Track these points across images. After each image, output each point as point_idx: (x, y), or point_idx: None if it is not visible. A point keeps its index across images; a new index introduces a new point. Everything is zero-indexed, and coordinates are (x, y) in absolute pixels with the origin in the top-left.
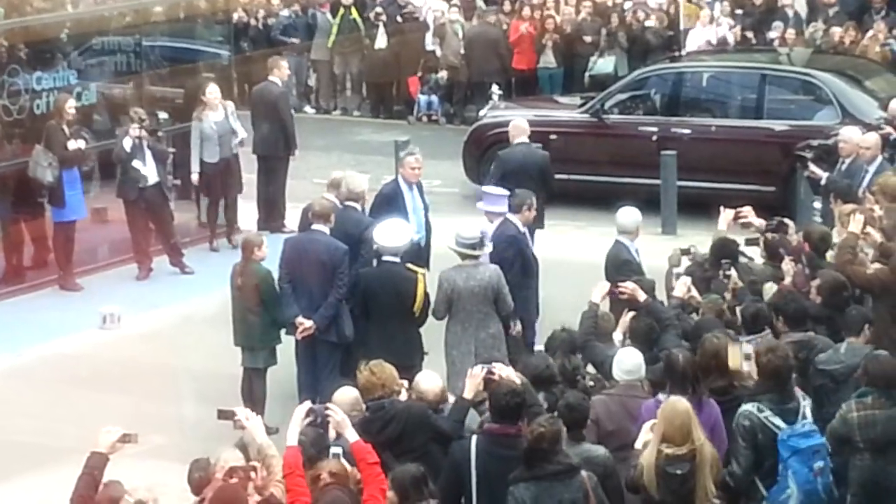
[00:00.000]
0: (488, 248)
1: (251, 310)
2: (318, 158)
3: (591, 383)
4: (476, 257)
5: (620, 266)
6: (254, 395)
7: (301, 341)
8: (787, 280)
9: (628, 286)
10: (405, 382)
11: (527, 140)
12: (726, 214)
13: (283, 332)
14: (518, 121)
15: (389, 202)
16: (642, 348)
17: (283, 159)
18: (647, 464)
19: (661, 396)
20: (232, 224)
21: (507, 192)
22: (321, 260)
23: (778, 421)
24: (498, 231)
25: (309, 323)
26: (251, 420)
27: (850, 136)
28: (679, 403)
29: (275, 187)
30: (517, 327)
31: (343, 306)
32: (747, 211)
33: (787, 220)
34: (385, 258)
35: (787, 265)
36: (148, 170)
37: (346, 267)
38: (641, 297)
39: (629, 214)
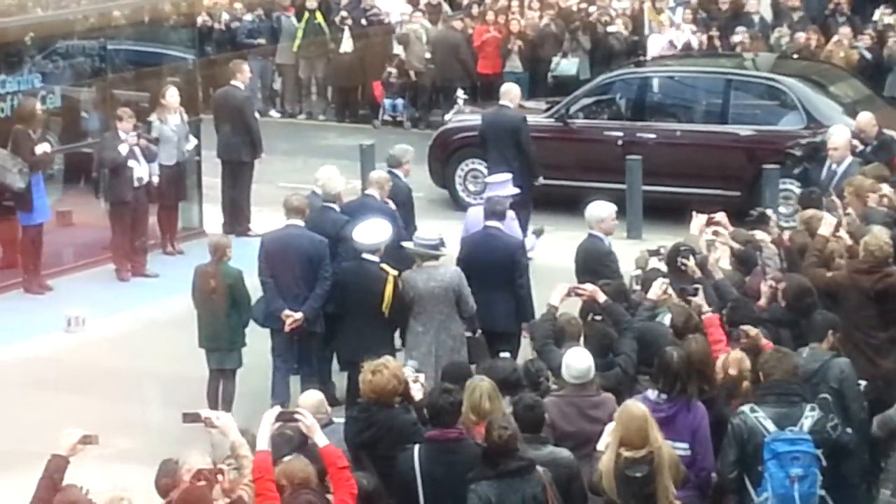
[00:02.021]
0: (447, 249)
1: (224, 311)
2: (283, 162)
3: (555, 386)
4: (436, 258)
5: (602, 258)
6: (225, 396)
7: (278, 336)
8: (763, 301)
9: (587, 287)
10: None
11: (508, 103)
12: (699, 219)
13: (255, 327)
14: (508, 85)
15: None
16: (597, 353)
17: (248, 164)
18: (605, 469)
19: (649, 393)
20: (175, 229)
21: (509, 177)
22: (307, 253)
23: (769, 424)
24: None
25: (298, 315)
26: (222, 419)
27: (838, 134)
28: (635, 407)
29: (240, 191)
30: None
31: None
32: (720, 217)
33: (768, 212)
34: (364, 256)
35: (765, 287)
36: (142, 170)
37: (329, 259)
38: (601, 298)
39: (603, 207)
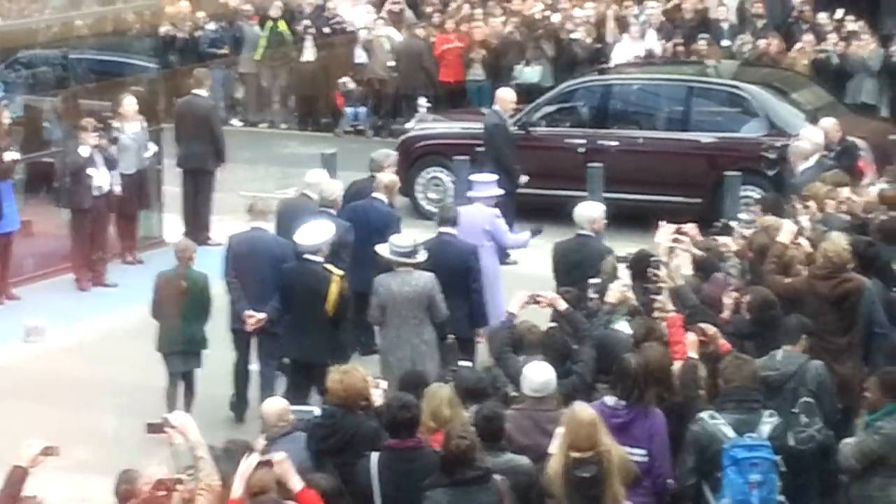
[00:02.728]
0: (422, 255)
1: (189, 314)
2: (244, 171)
3: (515, 394)
4: (410, 265)
5: (605, 256)
6: (187, 399)
7: (240, 336)
8: (726, 314)
9: (548, 295)
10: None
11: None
12: (666, 229)
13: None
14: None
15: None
16: (555, 361)
17: (211, 172)
18: (554, 471)
19: (607, 399)
20: (135, 238)
21: (495, 177)
22: (274, 255)
23: (728, 430)
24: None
25: (262, 315)
26: (181, 419)
27: (810, 136)
28: (583, 412)
29: (202, 200)
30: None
31: None
32: (689, 228)
33: (732, 224)
34: (306, 256)
35: (728, 300)
36: (102, 178)
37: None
38: (561, 306)
39: (594, 207)
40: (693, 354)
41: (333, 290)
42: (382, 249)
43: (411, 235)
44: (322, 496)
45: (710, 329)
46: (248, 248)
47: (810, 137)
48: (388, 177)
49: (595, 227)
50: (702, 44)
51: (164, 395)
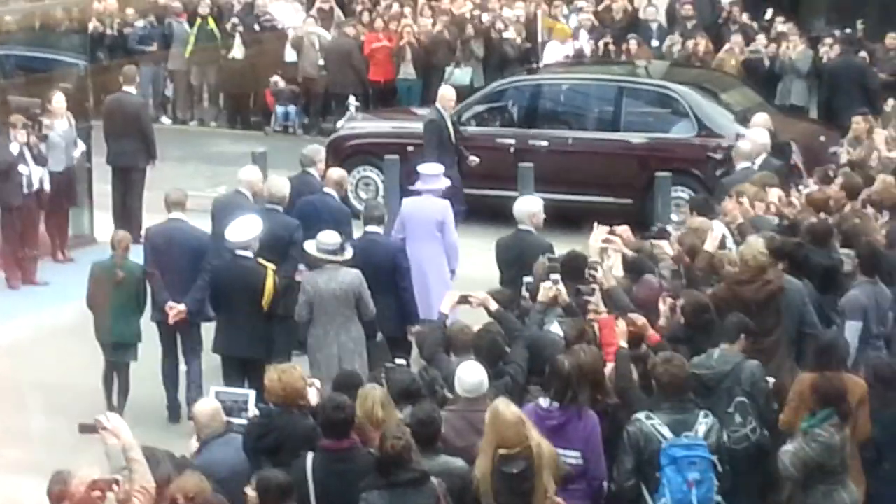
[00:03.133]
0: (349, 252)
1: (126, 305)
2: (174, 169)
3: (451, 396)
4: (337, 262)
5: (546, 251)
6: (121, 389)
7: (166, 327)
8: (662, 321)
9: (479, 296)
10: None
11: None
12: (599, 230)
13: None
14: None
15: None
16: (487, 362)
17: (141, 170)
18: (482, 471)
19: (541, 401)
20: (66, 236)
21: (441, 168)
22: (191, 246)
23: (665, 430)
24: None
25: (181, 307)
26: (113, 421)
27: (754, 136)
28: (507, 410)
29: (132, 198)
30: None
31: (208, 289)
32: (621, 230)
33: (669, 227)
34: (237, 252)
35: (664, 307)
36: (33, 174)
37: (212, 252)
38: (493, 306)
39: (533, 201)
40: (623, 343)
41: (269, 284)
42: (310, 246)
43: (337, 233)
44: (277, 488)
45: (640, 319)
46: (165, 239)
47: (754, 138)
48: (338, 172)
49: (534, 221)
50: (632, 44)
51: (102, 385)
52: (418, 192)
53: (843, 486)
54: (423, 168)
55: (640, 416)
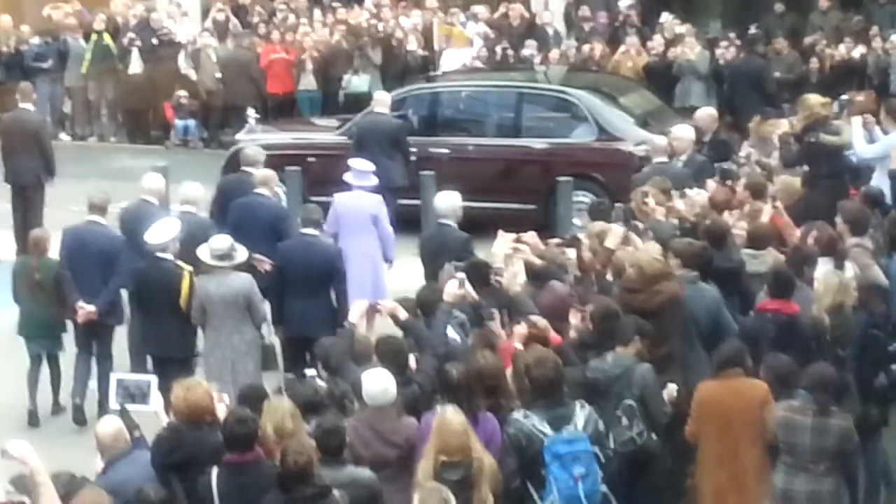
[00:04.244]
0: (241, 255)
1: (46, 301)
2: (74, 186)
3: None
4: (226, 267)
5: (466, 244)
6: (53, 380)
7: (81, 327)
8: (573, 334)
9: (388, 304)
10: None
11: (384, 110)
12: (504, 238)
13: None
14: (380, 94)
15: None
16: (394, 370)
17: (41, 187)
18: (423, 476)
19: (438, 409)
20: None
21: (372, 167)
22: (102, 249)
23: (546, 427)
24: None
25: (91, 307)
26: (19, 449)
27: (681, 134)
28: (454, 418)
29: (32, 216)
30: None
31: (120, 293)
32: (528, 237)
33: (580, 236)
34: (157, 255)
35: (575, 320)
36: None
37: (125, 256)
38: (402, 315)
39: (452, 195)
40: (519, 345)
41: (185, 285)
42: (202, 251)
43: (229, 238)
44: None
45: (541, 321)
46: (78, 241)
47: (678, 134)
48: (263, 172)
49: (456, 214)
50: (529, 50)
51: (27, 383)
52: (349, 187)
53: None
54: (353, 163)
55: (517, 415)
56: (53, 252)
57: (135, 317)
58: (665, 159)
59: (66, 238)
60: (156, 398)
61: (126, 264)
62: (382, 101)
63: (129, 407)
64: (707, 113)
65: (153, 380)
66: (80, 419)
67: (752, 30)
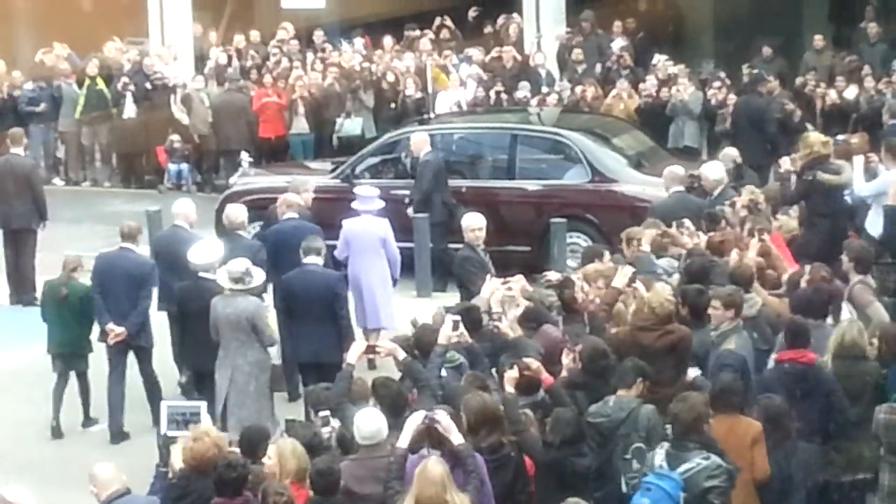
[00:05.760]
0: (257, 279)
1: (72, 320)
2: (68, 230)
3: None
4: (238, 290)
5: (463, 262)
6: (82, 394)
7: (113, 347)
8: (564, 373)
9: (387, 345)
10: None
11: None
12: (491, 283)
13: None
14: (419, 134)
15: None
16: (391, 413)
17: (33, 232)
18: None
19: (424, 451)
20: None
21: (377, 192)
22: (131, 275)
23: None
24: None
25: (120, 329)
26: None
27: (709, 172)
28: (434, 468)
29: (25, 260)
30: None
31: (149, 315)
32: (516, 280)
33: (573, 277)
34: (199, 275)
35: (567, 360)
36: None
37: (153, 280)
38: (401, 355)
39: (479, 217)
40: (510, 389)
41: None
42: (221, 273)
43: (246, 261)
44: None
45: (534, 363)
46: (108, 267)
47: (708, 174)
48: (292, 195)
49: (477, 236)
50: (523, 92)
51: (52, 395)
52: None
53: None
54: (359, 190)
55: None
56: (85, 278)
57: (174, 333)
58: (681, 188)
59: (97, 263)
60: (206, 422)
61: (153, 287)
62: (419, 142)
63: (180, 433)
64: (733, 152)
65: (203, 405)
66: (116, 437)
67: (745, 70)
